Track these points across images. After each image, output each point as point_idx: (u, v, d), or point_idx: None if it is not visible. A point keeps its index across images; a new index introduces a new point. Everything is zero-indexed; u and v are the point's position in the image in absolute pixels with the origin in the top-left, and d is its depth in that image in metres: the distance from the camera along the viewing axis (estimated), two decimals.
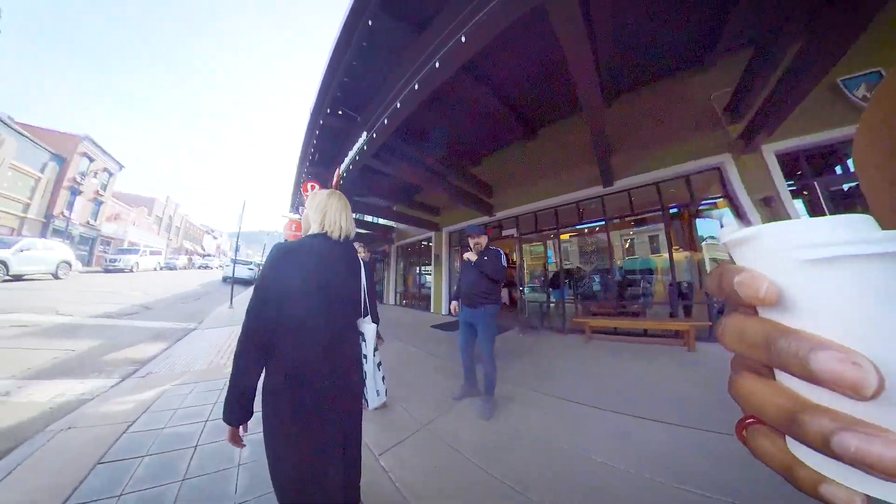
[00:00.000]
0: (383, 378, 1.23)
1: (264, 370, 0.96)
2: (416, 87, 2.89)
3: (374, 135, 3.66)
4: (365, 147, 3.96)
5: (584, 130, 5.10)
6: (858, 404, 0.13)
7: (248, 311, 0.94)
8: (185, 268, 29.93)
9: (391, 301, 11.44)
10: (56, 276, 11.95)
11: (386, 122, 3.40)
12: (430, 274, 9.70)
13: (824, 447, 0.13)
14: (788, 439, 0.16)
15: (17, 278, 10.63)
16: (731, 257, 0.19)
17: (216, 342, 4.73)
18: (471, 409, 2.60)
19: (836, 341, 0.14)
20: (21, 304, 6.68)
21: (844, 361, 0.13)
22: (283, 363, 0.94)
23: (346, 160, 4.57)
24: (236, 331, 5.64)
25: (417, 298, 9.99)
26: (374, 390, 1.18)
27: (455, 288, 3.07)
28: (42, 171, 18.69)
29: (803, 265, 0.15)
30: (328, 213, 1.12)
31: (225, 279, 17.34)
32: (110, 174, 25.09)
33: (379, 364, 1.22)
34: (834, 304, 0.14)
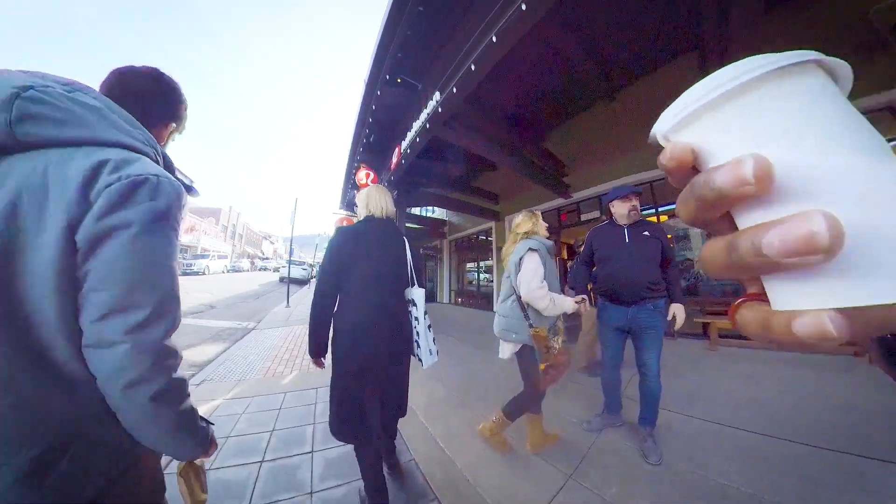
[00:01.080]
0: (433, 339, 1.37)
1: (332, 326, 1.25)
2: (524, 7, 2.05)
3: (455, 89, 2.91)
4: (439, 109, 3.22)
5: (689, 78, 3.94)
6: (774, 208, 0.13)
7: (318, 276, 1.27)
8: (248, 270, 32.38)
9: (445, 300, 10.75)
10: None
11: (473, 67, 2.61)
12: (486, 271, 8.84)
13: (758, 258, 0.13)
14: (768, 293, 0.15)
15: None
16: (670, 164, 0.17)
17: (273, 344, 4.34)
18: (621, 447, 1.75)
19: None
20: None
21: (735, 165, 0.13)
22: (342, 317, 1.22)
23: (411, 133, 3.90)
24: (293, 332, 5.33)
25: (476, 297, 9.14)
26: (427, 349, 1.33)
27: (573, 276, 2.18)
28: None
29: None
30: (370, 198, 1.36)
31: (282, 279, 18.07)
32: None
33: (429, 326, 1.36)
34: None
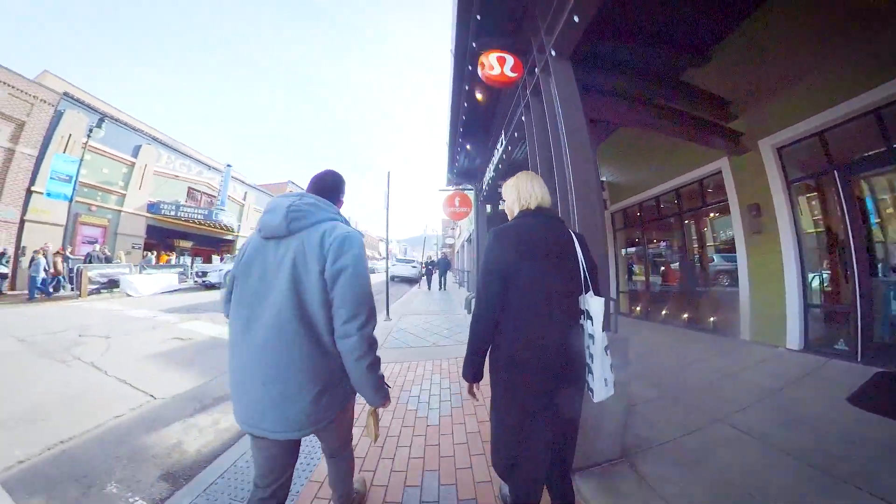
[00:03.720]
0: (611, 366, 1.15)
1: (492, 343, 1.14)
2: None
3: None
4: None
5: None
6: None
7: (478, 291, 1.15)
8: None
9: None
10: None
11: None
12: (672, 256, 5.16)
13: None
14: None
15: None
16: None
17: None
18: None
19: None
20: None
21: None
22: (505, 338, 1.09)
23: None
24: (388, 373, 3.31)
25: (676, 306, 5.48)
26: (602, 379, 1.12)
27: None
28: None
29: None
30: (520, 189, 1.22)
31: (394, 278, 17.84)
32: None
33: (607, 348, 1.14)
34: None
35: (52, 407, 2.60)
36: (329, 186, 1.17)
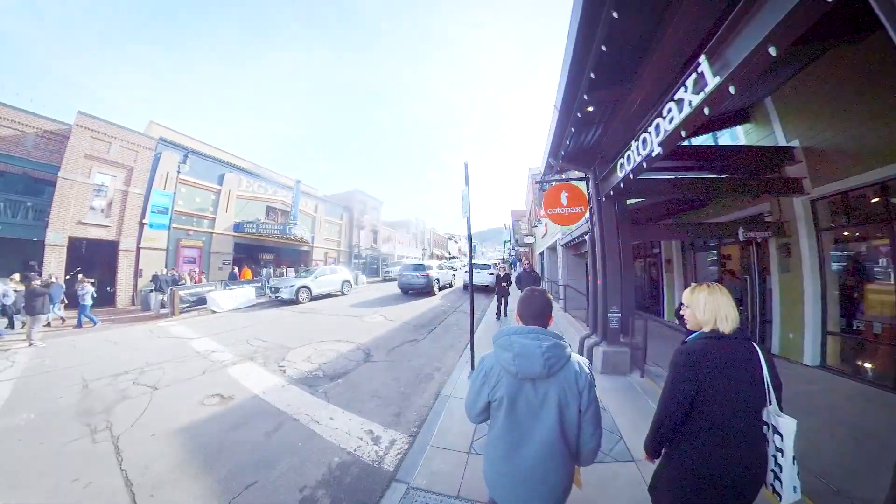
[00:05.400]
0: (798, 473, 1.24)
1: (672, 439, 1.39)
2: None
3: None
4: None
5: None
6: None
7: (664, 397, 1.36)
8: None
9: (805, 355, 4.59)
10: (342, 293, 15.13)
11: None
12: None
13: None
14: None
15: (326, 296, 13.91)
16: None
17: None
18: None
19: None
20: (294, 332, 6.34)
21: None
22: (687, 448, 1.32)
23: None
24: None
25: None
26: (791, 486, 1.22)
27: None
28: (340, 218, 27.76)
29: None
30: (718, 312, 1.30)
31: (465, 287, 16.27)
32: (376, 210, 34.00)
33: (794, 458, 1.23)
34: None
35: None
36: (543, 315, 1.39)
